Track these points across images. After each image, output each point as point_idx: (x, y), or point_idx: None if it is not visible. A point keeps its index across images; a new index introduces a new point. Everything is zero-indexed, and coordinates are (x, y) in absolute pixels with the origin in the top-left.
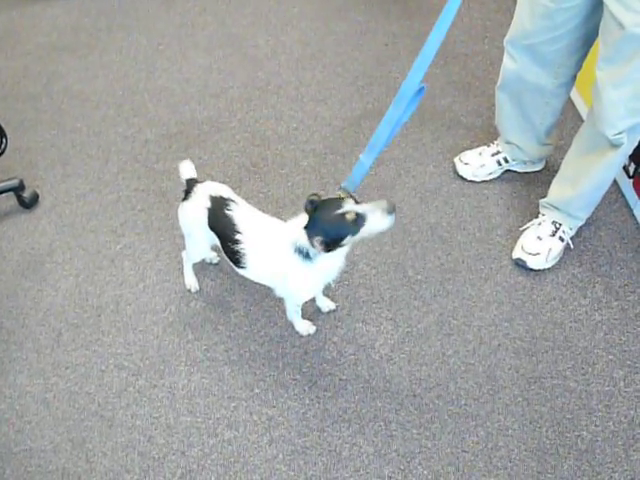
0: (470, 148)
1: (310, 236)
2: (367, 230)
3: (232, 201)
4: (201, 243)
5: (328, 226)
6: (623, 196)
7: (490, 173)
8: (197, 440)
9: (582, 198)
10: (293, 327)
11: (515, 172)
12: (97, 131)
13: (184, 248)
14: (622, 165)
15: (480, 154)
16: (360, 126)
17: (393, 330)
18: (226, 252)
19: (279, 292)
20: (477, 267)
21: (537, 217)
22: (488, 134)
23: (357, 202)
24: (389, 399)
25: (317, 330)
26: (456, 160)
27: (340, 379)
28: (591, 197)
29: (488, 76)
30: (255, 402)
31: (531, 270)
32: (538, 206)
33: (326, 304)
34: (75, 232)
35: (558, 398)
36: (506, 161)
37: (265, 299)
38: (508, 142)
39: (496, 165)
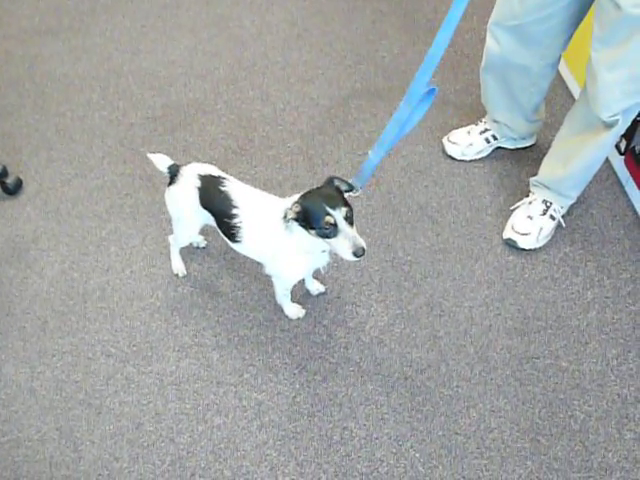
0: (460, 127)
1: (294, 202)
2: (331, 244)
3: (224, 178)
4: (190, 226)
5: (311, 206)
6: (615, 173)
7: (479, 151)
8: (186, 427)
9: (573, 177)
10: (282, 311)
11: (505, 149)
12: (81, 115)
13: (171, 233)
14: (614, 144)
15: (468, 132)
16: (348, 106)
17: (383, 312)
18: (222, 228)
19: (268, 269)
20: (468, 247)
21: (527, 196)
22: (477, 112)
23: (349, 218)
24: (380, 382)
25: (307, 313)
26: (444, 140)
27: (330, 362)
28: (582, 176)
29: (477, 54)
30: (244, 387)
31: (522, 250)
32: (528, 185)
33: (315, 287)
34: (60, 218)
35: (551, 378)
36: (495, 138)
37: (254, 282)
38: (495, 121)
39: (485, 143)
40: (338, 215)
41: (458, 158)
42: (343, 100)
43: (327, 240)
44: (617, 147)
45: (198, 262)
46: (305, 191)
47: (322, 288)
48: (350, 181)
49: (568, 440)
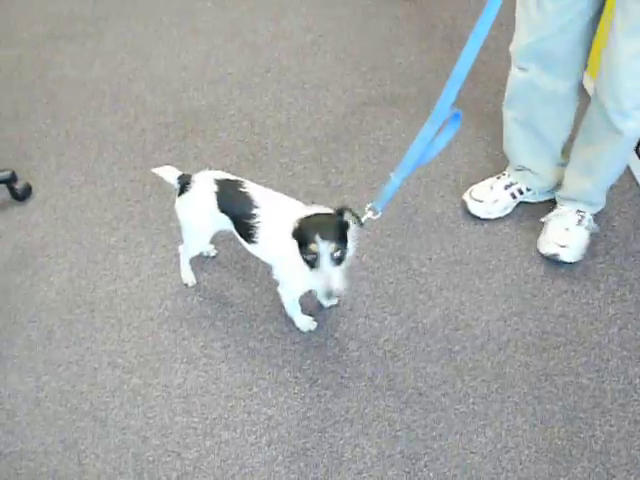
0: (477, 136)
1: (300, 218)
2: (311, 274)
3: (242, 181)
4: (203, 234)
5: (306, 228)
6: (637, 184)
7: (505, 208)
8: (193, 441)
9: (601, 186)
10: (294, 323)
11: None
12: (92, 121)
13: (181, 242)
14: (633, 147)
15: (491, 187)
16: (363, 113)
17: (397, 325)
18: (239, 229)
19: (276, 274)
20: (485, 259)
21: (555, 209)
22: (494, 122)
23: (340, 256)
24: (393, 398)
25: (318, 326)
26: (466, 197)
27: (342, 377)
28: (610, 182)
29: (496, 62)
30: (254, 401)
31: (563, 263)
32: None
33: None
34: (69, 225)
35: (570, 396)
36: (520, 193)
37: (265, 294)
38: (520, 168)
39: (510, 199)
40: (324, 248)
41: (482, 217)
42: (358, 107)
43: (308, 268)
44: (637, 151)
45: (208, 272)
46: (321, 210)
47: (334, 300)
48: (369, 205)
49: (588, 462)
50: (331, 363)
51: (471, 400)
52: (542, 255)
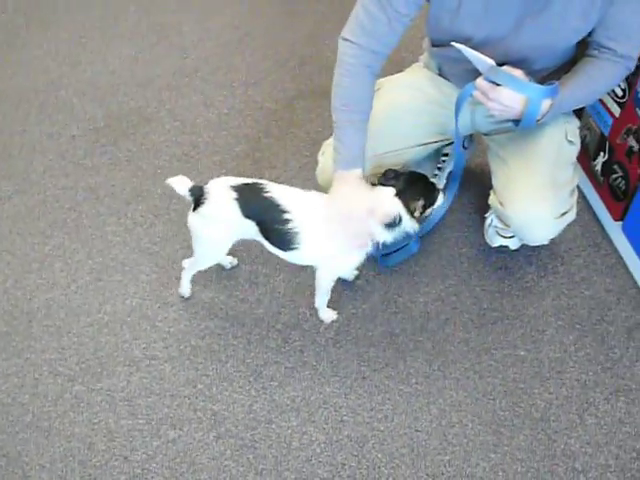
0: None
1: (411, 199)
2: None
3: (261, 183)
4: (222, 247)
5: (427, 191)
6: None
7: None
8: (140, 443)
9: None
10: (234, 319)
11: None
12: (20, 130)
13: (182, 256)
14: None
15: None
16: (294, 107)
17: (338, 313)
18: (270, 237)
19: (323, 270)
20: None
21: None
22: None
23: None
24: (338, 384)
25: (259, 319)
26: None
27: (286, 367)
28: None
29: None
30: (199, 398)
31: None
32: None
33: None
34: (1, 236)
35: (510, 368)
36: None
37: (204, 291)
38: None
39: None
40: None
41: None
42: (288, 102)
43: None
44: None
45: (146, 273)
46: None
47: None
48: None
49: (530, 429)
50: (274, 354)
51: (414, 380)
52: (487, 244)
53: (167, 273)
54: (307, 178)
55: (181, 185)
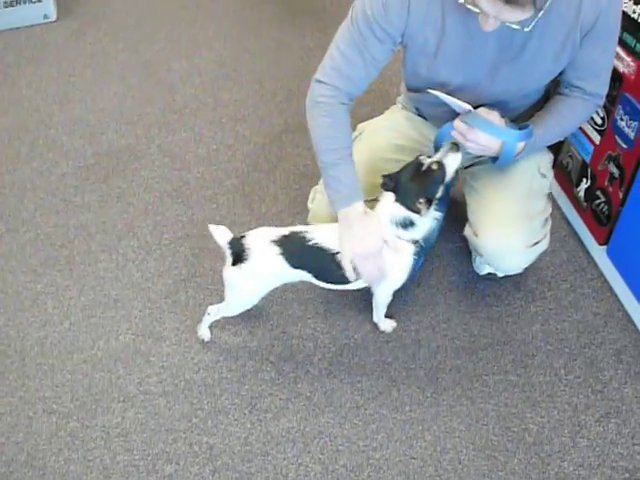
0: None
1: (411, 202)
2: (449, 172)
3: (302, 231)
4: (262, 295)
5: (422, 185)
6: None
7: None
8: (136, 479)
9: None
10: (227, 352)
11: None
12: (10, 168)
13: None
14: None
15: None
16: (282, 141)
17: (330, 343)
18: (326, 278)
19: (379, 290)
20: None
21: None
22: None
23: (429, 156)
24: (332, 414)
25: (252, 352)
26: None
27: (280, 399)
28: None
29: None
30: (194, 432)
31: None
32: None
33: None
34: None
35: (501, 393)
36: None
37: (197, 324)
38: None
39: None
40: (430, 159)
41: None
42: (276, 136)
43: (447, 177)
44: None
45: (139, 309)
46: (396, 199)
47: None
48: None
49: (524, 453)
50: (268, 386)
51: (407, 408)
52: (474, 271)
53: (160, 308)
54: (297, 211)
55: (222, 236)
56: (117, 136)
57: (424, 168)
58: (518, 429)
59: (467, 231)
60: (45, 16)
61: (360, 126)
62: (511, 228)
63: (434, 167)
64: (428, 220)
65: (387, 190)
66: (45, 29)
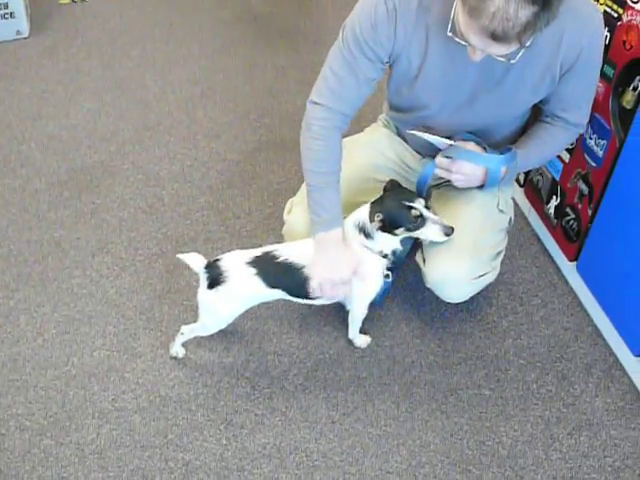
0: None
1: (372, 211)
2: (421, 234)
3: (271, 250)
4: (236, 315)
5: (392, 209)
6: (516, 205)
7: None
8: None
9: None
10: (203, 368)
11: None
12: None
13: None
14: None
15: None
16: (255, 158)
17: (306, 358)
18: (299, 294)
19: (354, 301)
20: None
21: None
22: None
23: (428, 207)
24: (308, 429)
25: (228, 367)
26: None
27: (256, 414)
28: None
29: None
30: (170, 448)
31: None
32: None
33: None
34: None
35: (475, 407)
36: None
37: (171, 341)
38: None
39: None
40: (419, 206)
41: None
42: (250, 153)
43: (416, 233)
44: (517, 180)
45: (114, 325)
46: (372, 202)
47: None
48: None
49: (498, 467)
50: (244, 402)
51: (383, 422)
52: None
53: (134, 324)
54: (271, 228)
55: (195, 262)
56: (91, 152)
57: (409, 204)
58: (492, 443)
59: (418, 257)
60: (18, 32)
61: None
62: (457, 259)
63: (414, 212)
64: (383, 238)
65: (384, 191)
66: (18, 45)
